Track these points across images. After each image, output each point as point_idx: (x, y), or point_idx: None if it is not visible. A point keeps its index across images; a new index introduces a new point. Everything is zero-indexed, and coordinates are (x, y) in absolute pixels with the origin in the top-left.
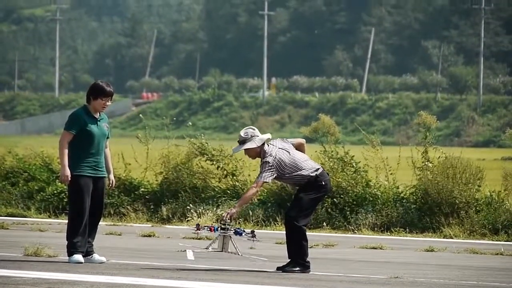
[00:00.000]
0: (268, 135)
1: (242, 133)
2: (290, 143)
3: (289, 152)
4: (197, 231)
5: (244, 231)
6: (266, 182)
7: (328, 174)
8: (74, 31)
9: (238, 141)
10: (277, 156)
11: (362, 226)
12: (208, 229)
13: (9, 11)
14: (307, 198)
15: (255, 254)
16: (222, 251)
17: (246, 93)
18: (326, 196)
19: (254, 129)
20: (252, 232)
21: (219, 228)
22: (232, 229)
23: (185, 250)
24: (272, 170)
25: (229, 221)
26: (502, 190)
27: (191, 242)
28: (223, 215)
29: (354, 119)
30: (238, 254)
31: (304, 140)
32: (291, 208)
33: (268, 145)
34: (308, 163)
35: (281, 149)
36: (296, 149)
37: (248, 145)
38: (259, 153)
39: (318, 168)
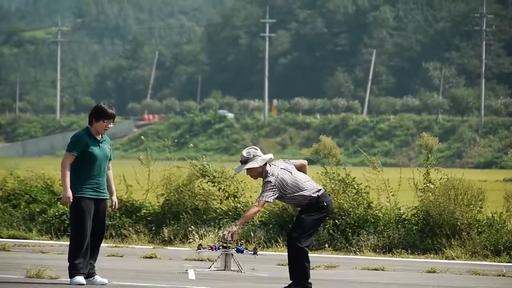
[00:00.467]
0: (270, 155)
1: (244, 153)
2: (292, 164)
3: (291, 173)
4: (198, 250)
5: (246, 248)
6: (268, 201)
7: (329, 195)
8: (75, 53)
9: (240, 161)
10: (279, 176)
11: (364, 247)
12: (209, 248)
13: (11, 34)
14: (310, 219)
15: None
16: (224, 270)
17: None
18: (328, 217)
19: (256, 149)
20: (255, 249)
21: (220, 247)
22: (233, 247)
23: (187, 270)
24: (274, 190)
25: (230, 239)
26: (504, 211)
27: (193, 263)
28: (224, 233)
29: (355, 140)
30: (241, 272)
31: (306, 161)
32: (293, 229)
33: (270, 165)
34: (310, 183)
35: (283, 169)
36: (298, 170)
37: (250, 165)
38: (261, 173)
39: (320, 189)
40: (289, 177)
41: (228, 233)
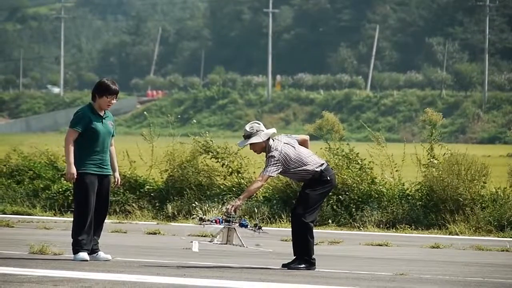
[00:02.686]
0: (273, 130)
1: (247, 127)
2: (294, 138)
3: (294, 147)
4: (203, 223)
5: (249, 223)
6: (271, 176)
7: (332, 169)
8: (78, 29)
9: (243, 135)
10: (283, 150)
11: (368, 223)
12: (214, 221)
13: (14, 10)
14: (313, 194)
15: (261, 255)
16: (226, 244)
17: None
18: (331, 192)
19: (259, 124)
20: (256, 224)
21: (223, 221)
22: (236, 221)
23: (192, 242)
24: (277, 164)
25: (233, 213)
26: (507, 186)
27: (196, 239)
28: (227, 207)
29: (359, 116)
30: (243, 246)
31: (308, 136)
32: (297, 205)
33: (274, 140)
34: (313, 158)
35: (286, 143)
36: (300, 145)
37: (254, 140)
38: (264, 147)
39: (323, 163)
40: (293, 151)
41: (232, 207)
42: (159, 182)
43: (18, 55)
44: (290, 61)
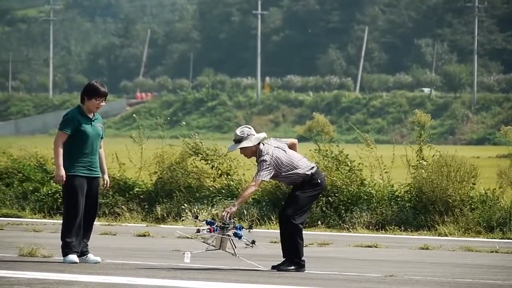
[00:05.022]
0: (264, 134)
1: (238, 131)
2: (283, 142)
3: (285, 151)
4: (197, 234)
5: (243, 235)
6: (264, 180)
7: (322, 172)
8: (67, 31)
9: (233, 139)
10: (274, 154)
11: (357, 224)
12: (208, 230)
13: (2, 12)
14: (303, 196)
15: (250, 254)
16: (219, 249)
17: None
18: (321, 194)
19: (250, 128)
20: (253, 242)
21: (218, 228)
22: (231, 227)
23: (184, 253)
24: (269, 168)
25: (229, 220)
26: (496, 187)
27: (185, 241)
28: (223, 214)
29: (348, 118)
30: (235, 256)
31: (296, 140)
32: (287, 206)
33: (264, 144)
34: (304, 161)
35: (277, 147)
36: (289, 148)
37: (244, 144)
38: (254, 152)
39: (313, 167)
40: (284, 155)
41: (227, 214)
42: (149, 184)
43: (6, 58)
44: (279, 63)
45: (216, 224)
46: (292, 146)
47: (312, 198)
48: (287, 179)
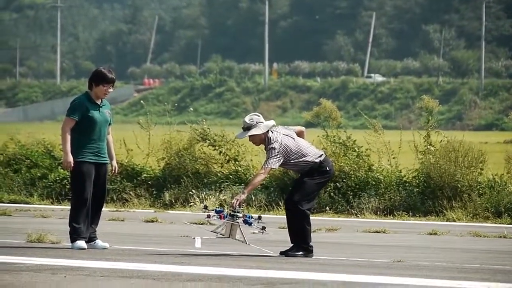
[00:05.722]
0: (273, 122)
1: (247, 119)
2: (291, 130)
3: (293, 139)
4: (207, 219)
5: (253, 221)
6: (273, 168)
7: (330, 159)
8: (75, 18)
9: (242, 127)
10: (283, 142)
11: (365, 210)
12: (218, 216)
13: None
14: (312, 183)
15: (259, 240)
16: (229, 237)
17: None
18: (328, 182)
19: (259, 116)
20: (263, 227)
21: (228, 215)
22: (241, 215)
23: (194, 238)
24: (278, 156)
25: (238, 207)
26: (504, 173)
27: (195, 232)
28: (232, 202)
29: (356, 103)
30: (246, 243)
31: (304, 128)
32: (294, 192)
33: (272, 132)
34: (312, 149)
35: (285, 135)
36: (297, 135)
37: (253, 132)
38: (263, 139)
39: (322, 154)
40: (292, 143)
41: (237, 201)
42: (156, 170)
43: (14, 44)
44: (287, 49)
45: (226, 211)
46: (300, 134)
47: (320, 185)
48: (296, 167)
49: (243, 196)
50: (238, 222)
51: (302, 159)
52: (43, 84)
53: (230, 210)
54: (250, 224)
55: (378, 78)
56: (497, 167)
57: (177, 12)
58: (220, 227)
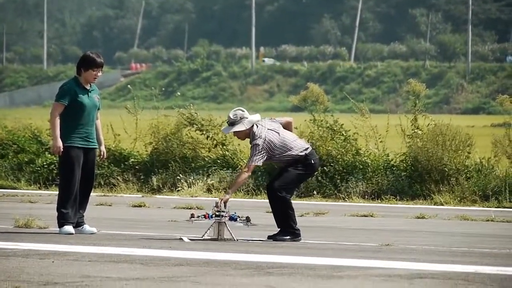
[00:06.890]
0: (257, 116)
1: (231, 114)
2: (278, 122)
3: (278, 133)
4: (192, 219)
5: (238, 216)
6: (257, 165)
7: (317, 153)
8: (61, 3)
9: (227, 122)
10: (266, 138)
11: (353, 194)
12: (203, 216)
13: None
14: (294, 173)
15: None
16: (217, 239)
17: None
18: (311, 176)
19: (243, 111)
20: (247, 218)
21: (213, 216)
22: (226, 215)
23: (181, 238)
24: (262, 153)
25: (223, 207)
26: (492, 156)
27: (182, 212)
28: (217, 202)
29: (343, 87)
30: (234, 240)
31: (292, 118)
32: (275, 178)
33: (257, 126)
34: (298, 142)
35: (270, 129)
36: (284, 128)
37: (237, 128)
38: (248, 134)
39: (308, 148)
40: (277, 138)
41: (221, 201)
42: (144, 155)
43: (1, 30)
44: (274, 33)
45: (211, 211)
46: (287, 125)
47: (302, 177)
48: (281, 161)
49: (228, 196)
50: (224, 221)
51: (287, 153)
52: (30, 69)
53: (215, 210)
54: (235, 220)
55: (269, 62)
56: (484, 151)
57: None
58: (208, 230)
